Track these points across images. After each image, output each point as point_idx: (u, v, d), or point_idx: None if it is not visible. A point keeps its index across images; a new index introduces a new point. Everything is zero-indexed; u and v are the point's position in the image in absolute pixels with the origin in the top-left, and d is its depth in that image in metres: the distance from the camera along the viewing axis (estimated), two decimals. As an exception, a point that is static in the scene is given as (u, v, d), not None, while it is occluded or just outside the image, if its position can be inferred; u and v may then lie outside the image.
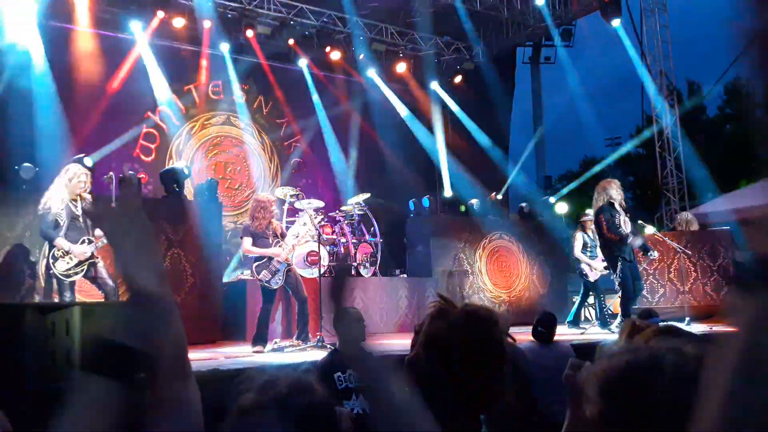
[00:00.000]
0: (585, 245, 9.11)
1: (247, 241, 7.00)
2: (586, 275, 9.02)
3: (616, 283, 7.85)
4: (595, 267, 8.93)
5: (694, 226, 11.04)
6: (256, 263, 6.98)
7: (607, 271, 8.39)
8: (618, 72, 14.59)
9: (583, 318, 9.65)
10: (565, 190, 14.91)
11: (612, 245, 7.73)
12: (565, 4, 13.54)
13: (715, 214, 13.30)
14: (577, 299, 9.71)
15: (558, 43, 14.99)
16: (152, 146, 11.55)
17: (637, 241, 7.86)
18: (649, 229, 9.97)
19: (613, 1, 12.58)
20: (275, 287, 6.90)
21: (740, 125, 32.11)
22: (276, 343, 6.90)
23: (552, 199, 13.02)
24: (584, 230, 9.19)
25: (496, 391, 1.47)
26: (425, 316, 1.54)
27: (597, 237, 8.48)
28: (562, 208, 13.03)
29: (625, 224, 7.71)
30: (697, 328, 7.84)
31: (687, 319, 9.22)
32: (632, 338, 1.63)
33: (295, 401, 1.25)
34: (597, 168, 15.07)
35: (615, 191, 7.83)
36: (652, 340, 1.03)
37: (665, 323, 2.07)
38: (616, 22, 12.95)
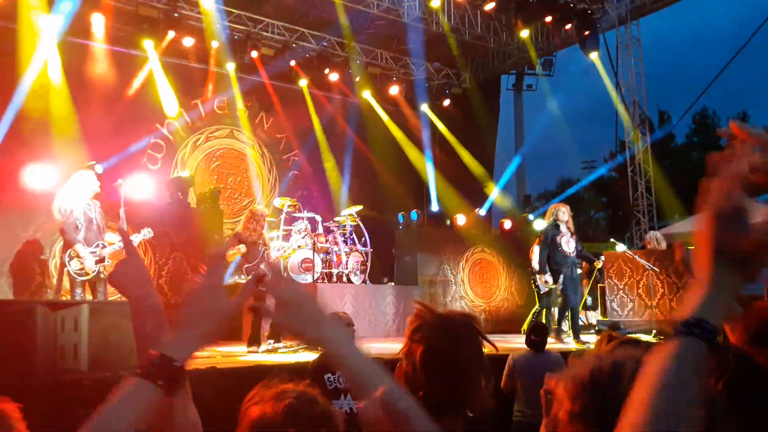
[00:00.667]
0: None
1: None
2: (538, 287, 8.75)
3: (561, 296, 8.12)
4: (547, 280, 8.65)
5: (663, 245, 11.12)
6: (247, 266, 6.96)
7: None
8: (594, 100, 14.76)
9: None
10: (542, 209, 14.98)
11: (551, 261, 8.02)
12: (546, 36, 13.71)
13: (681, 234, 13.42)
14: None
15: (539, 72, 15.17)
16: (159, 156, 11.55)
17: (547, 277, 8.12)
18: (620, 247, 10.04)
19: (591, 35, 12.74)
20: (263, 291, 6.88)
21: (705, 153, 32.47)
22: (270, 344, 6.88)
23: (530, 217, 13.10)
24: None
25: (474, 392, 1.47)
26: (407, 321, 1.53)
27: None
28: (539, 224, 13.10)
29: (567, 244, 8.01)
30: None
31: (654, 332, 9.29)
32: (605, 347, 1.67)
33: (304, 410, 1.34)
34: (573, 189, 15.16)
35: (563, 214, 8.09)
36: (617, 350, 1.06)
37: (630, 335, 2.10)
38: (593, 55, 13.12)
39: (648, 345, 1.89)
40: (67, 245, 6.15)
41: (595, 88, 14.86)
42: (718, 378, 1.52)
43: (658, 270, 9.87)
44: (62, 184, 6.71)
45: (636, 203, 14.19)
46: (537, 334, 5.05)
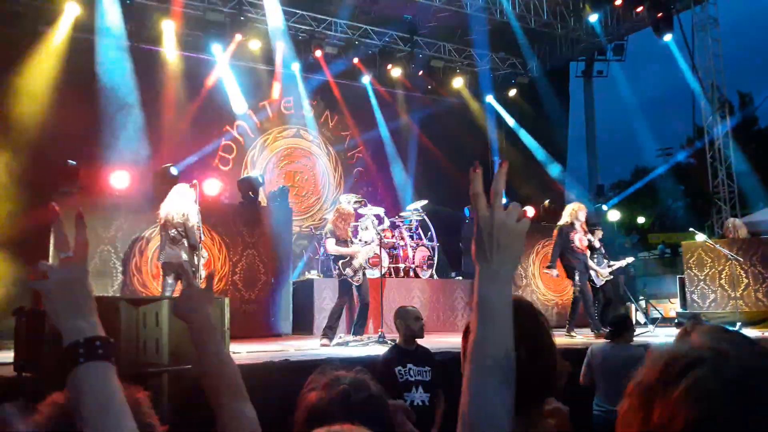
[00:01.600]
0: (591, 252, 8.71)
1: (331, 242, 7.04)
2: (592, 281, 8.55)
3: (577, 291, 8.07)
4: (600, 273, 8.58)
5: (743, 231, 10.53)
6: (342, 261, 7.01)
7: (612, 277, 8.68)
8: (670, 85, 14.07)
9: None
10: (617, 199, 14.48)
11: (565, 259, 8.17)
12: (617, 20, 13.19)
13: (766, 222, 12.67)
14: None
15: (610, 57, 14.60)
16: (230, 157, 11.91)
17: (554, 272, 8.18)
18: (700, 237, 9.58)
19: (664, 17, 12.16)
20: (357, 284, 6.96)
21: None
22: (341, 337, 6.96)
23: (605, 207, 12.68)
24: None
25: (552, 375, 1.43)
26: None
27: (602, 245, 8.76)
28: (614, 215, 12.68)
29: (580, 241, 8.16)
30: (749, 333, 7.46)
31: (738, 324, 8.81)
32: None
33: (356, 396, 1.37)
34: (649, 177, 14.56)
35: (582, 213, 8.31)
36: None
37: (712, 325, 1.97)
38: (667, 37, 12.52)
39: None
40: (192, 248, 6.53)
41: (670, 72, 14.23)
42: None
43: (741, 260, 9.36)
44: (138, 186, 7.05)
45: (716, 191, 13.48)
46: (621, 327, 4.90)
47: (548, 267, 8.50)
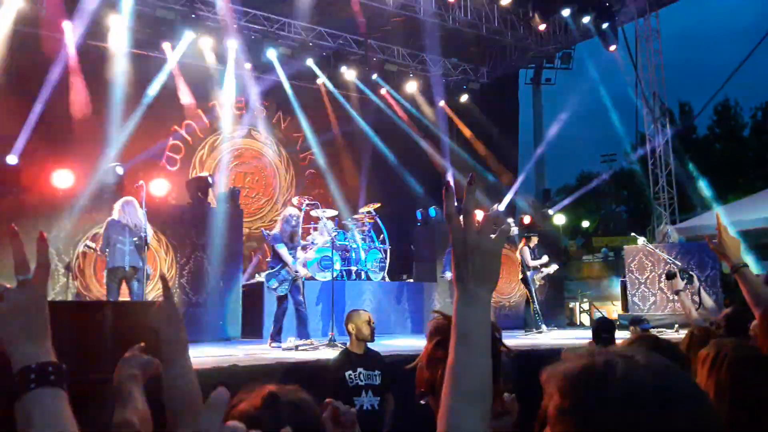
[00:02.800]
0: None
1: (282, 247, 6.97)
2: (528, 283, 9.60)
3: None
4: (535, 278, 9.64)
5: (674, 238, 11.11)
6: (268, 272, 7.00)
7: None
8: (614, 93, 14.54)
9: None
10: (562, 203, 14.85)
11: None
12: (565, 30, 13.56)
13: (703, 227, 13.22)
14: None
15: (558, 65, 14.99)
16: (177, 157, 11.65)
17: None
18: (641, 241, 9.94)
19: (610, 27, 12.58)
20: (281, 294, 6.95)
21: (728, 144, 31.94)
22: (291, 341, 6.90)
23: (550, 211, 12.99)
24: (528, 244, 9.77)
25: (497, 397, 1.46)
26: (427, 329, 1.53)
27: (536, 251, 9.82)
28: (560, 219, 13.00)
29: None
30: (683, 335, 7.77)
31: (676, 325, 9.17)
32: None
33: (285, 397, 1.31)
34: (593, 183, 15.00)
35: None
36: (620, 348, 1.06)
37: (648, 333, 2.07)
38: (612, 48, 12.96)
39: (670, 347, 1.86)
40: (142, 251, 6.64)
41: (615, 81, 14.68)
42: (720, 363, 1.58)
43: (679, 264, 9.75)
44: (82, 186, 6.87)
45: (657, 196, 14.00)
46: (606, 332, 4.85)
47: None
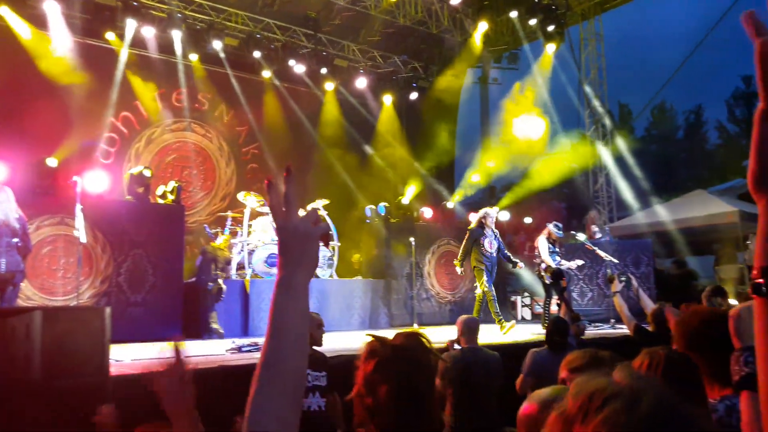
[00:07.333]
0: (549, 249, 8.92)
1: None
2: (542, 277, 8.90)
3: (483, 291, 8.50)
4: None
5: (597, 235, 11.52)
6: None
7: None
8: (558, 93, 14.87)
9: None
10: (507, 200, 15.09)
11: (474, 260, 8.63)
12: (512, 30, 13.75)
13: (639, 226, 13.70)
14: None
15: (505, 65, 15.22)
16: (112, 150, 11.15)
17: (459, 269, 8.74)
18: (580, 237, 10.19)
19: (555, 30, 12.83)
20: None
21: (664, 145, 33.25)
22: (234, 342, 6.75)
23: (496, 208, 13.15)
24: (549, 236, 8.98)
25: (434, 411, 1.44)
26: (362, 353, 1.48)
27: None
28: (504, 216, 13.20)
29: (489, 245, 8.58)
30: (621, 330, 8.03)
31: (612, 320, 9.47)
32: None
33: None
34: (536, 181, 15.30)
35: (490, 219, 8.78)
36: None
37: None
38: (551, 48, 13.25)
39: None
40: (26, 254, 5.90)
41: (559, 81, 15.00)
42: (654, 367, 1.76)
43: (616, 261, 10.06)
44: (12, 180, 6.44)
45: (597, 195, 14.42)
46: (559, 334, 4.71)
47: (459, 263, 8.82)
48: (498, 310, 8.45)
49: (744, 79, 32.56)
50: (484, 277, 8.45)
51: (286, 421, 0.94)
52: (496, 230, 8.82)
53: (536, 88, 13.96)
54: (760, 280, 0.72)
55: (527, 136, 13.29)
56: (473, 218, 8.95)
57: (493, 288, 8.56)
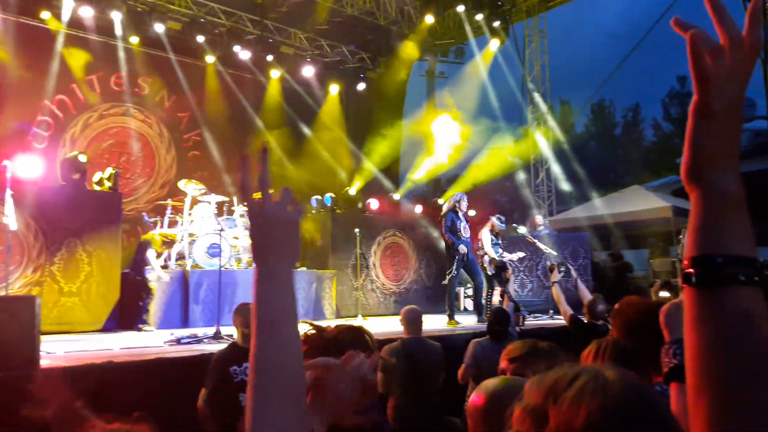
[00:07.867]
0: (492, 242, 8.99)
1: None
2: (485, 269, 8.85)
3: (449, 277, 8.30)
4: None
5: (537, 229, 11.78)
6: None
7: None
8: (502, 88, 15.15)
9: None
10: (451, 192, 15.29)
11: (448, 246, 8.34)
12: (459, 25, 13.88)
13: (578, 219, 14.12)
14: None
15: (452, 59, 15.36)
16: (46, 134, 10.66)
17: (463, 249, 8.20)
18: (522, 230, 10.42)
19: (501, 25, 13.04)
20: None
21: (602, 142, 34.39)
22: (172, 334, 6.58)
23: (441, 200, 13.31)
24: (492, 229, 9.06)
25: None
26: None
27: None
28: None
29: (464, 230, 8.34)
30: (558, 319, 8.27)
31: (551, 311, 9.75)
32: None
33: None
34: (481, 174, 15.56)
35: (464, 203, 8.49)
36: None
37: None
38: (495, 45, 13.48)
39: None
40: None
41: (503, 76, 15.25)
42: (602, 353, 1.86)
43: (555, 253, 10.35)
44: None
45: (538, 189, 14.79)
46: (500, 324, 4.74)
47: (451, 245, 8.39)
48: (452, 304, 8.36)
49: (679, 79, 33.97)
50: (454, 265, 8.23)
51: (287, 426, 0.87)
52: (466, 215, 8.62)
53: (463, 91, 14.18)
54: (690, 270, 0.74)
55: (445, 138, 13.51)
56: (445, 205, 8.62)
57: (457, 279, 8.43)
